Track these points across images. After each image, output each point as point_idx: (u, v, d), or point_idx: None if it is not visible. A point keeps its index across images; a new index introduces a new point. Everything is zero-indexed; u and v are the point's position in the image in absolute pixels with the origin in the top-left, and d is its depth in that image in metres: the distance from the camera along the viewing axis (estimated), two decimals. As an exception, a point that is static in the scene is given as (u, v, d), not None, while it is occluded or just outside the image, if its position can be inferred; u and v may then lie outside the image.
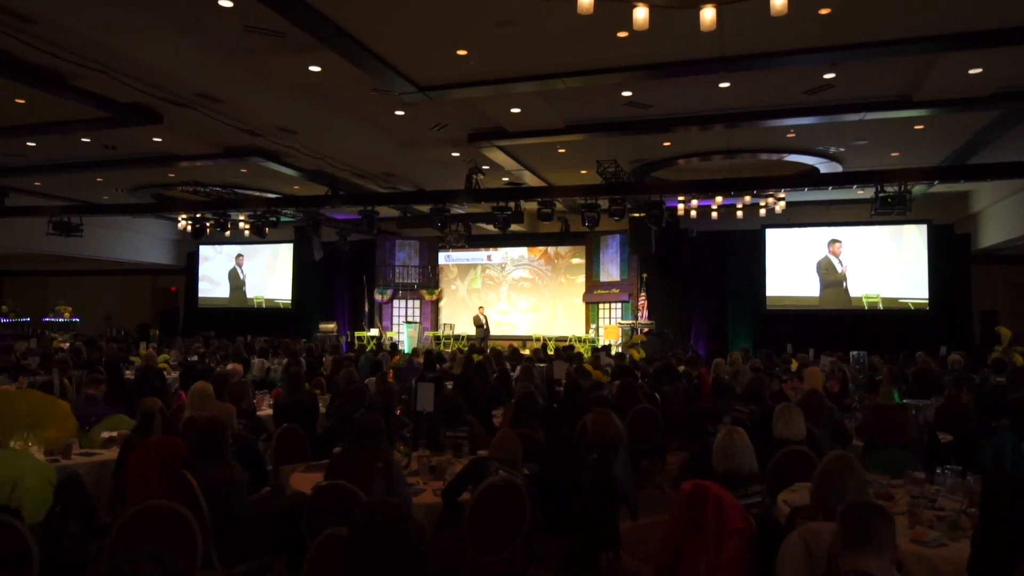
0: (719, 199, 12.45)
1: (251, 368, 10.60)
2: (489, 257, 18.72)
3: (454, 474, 3.44)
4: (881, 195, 9.97)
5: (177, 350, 12.34)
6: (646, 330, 15.54)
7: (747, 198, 12.44)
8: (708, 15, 5.00)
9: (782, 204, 12.43)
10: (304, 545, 2.86)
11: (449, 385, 7.35)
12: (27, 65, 7.74)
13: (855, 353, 8.72)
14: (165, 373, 8.93)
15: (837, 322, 15.25)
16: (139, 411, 3.80)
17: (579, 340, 16.58)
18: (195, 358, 10.80)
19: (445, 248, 16.77)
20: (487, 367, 7.31)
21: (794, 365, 9.19)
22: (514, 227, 17.44)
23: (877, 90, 8.73)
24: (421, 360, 10.09)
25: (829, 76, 8.20)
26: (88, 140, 11.22)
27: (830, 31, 6.84)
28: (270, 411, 6.09)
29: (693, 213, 13.38)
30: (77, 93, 8.47)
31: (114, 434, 4.36)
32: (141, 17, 6.65)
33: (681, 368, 9.05)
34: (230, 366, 7.62)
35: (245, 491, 3.19)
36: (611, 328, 16.27)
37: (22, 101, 9.08)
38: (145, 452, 3.46)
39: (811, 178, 11.53)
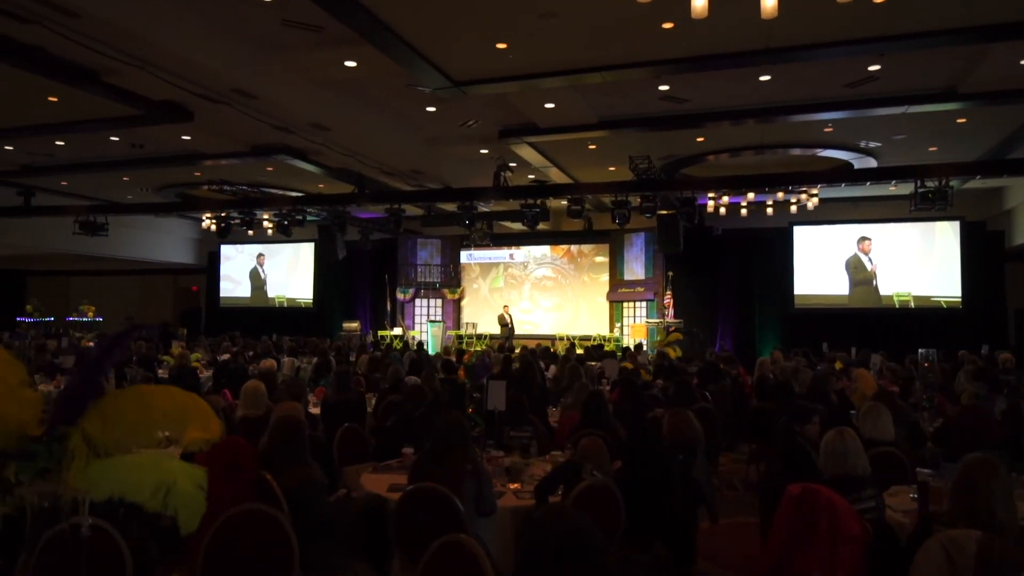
0: (751, 195, 12.24)
1: (281, 367, 10.55)
2: (511, 256, 18.60)
3: (530, 476, 3.31)
4: (921, 190, 9.78)
5: (204, 349, 12.30)
6: (673, 329, 15.37)
7: (780, 194, 12.23)
8: (770, 2, 4.84)
9: (815, 200, 12.22)
10: (388, 549, 2.76)
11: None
12: (62, 62, 7.69)
13: (923, 351, 8.51)
14: (198, 372, 8.87)
15: (867, 320, 15.02)
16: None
17: (604, 339, 16.44)
18: (226, 357, 10.74)
19: (469, 247, 16.65)
20: (535, 366, 7.18)
21: (837, 365, 9.00)
22: (525, 226, 17.41)
23: (922, 82, 8.53)
24: (451, 357, 10.01)
25: (874, 68, 8.01)
26: (116, 139, 11.20)
27: (883, 20, 6.67)
28: (313, 410, 6.01)
29: (723, 210, 13.18)
30: (110, 90, 8.41)
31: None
32: (181, 12, 6.58)
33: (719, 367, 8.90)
34: (264, 364, 7.53)
35: (326, 493, 3.08)
36: (638, 327, 16.10)
37: (55, 99, 9.04)
38: (211, 452, 3.35)
39: (848, 173, 11.34)
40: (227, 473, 3.44)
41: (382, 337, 17.35)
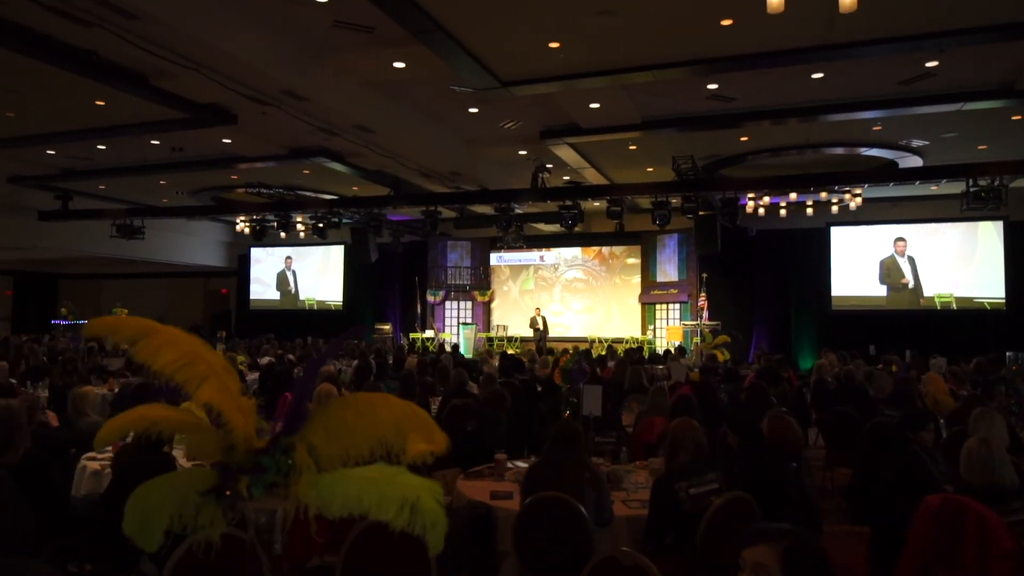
0: (793, 195, 12.06)
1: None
2: (542, 258, 18.51)
3: (634, 484, 3.20)
4: (973, 189, 9.58)
5: (244, 352, 12.32)
6: (705, 331, 15.20)
7: (824, 194, 12.04)
8: (851, -5, 4.72)
9: (858, 200, 12.02)
10: (495, 559, 2.67)
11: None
12: (113, 66, 7.72)
13: (1010, 354, 8.29)
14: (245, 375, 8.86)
15: (908, 322, 14.73)
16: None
17: (636, 341, 16.30)
18: (267, 360, 10.74)
19: (502, 248, 16.58)
20: (595, 371, 7.07)
21: (892, 368, 8.80)
22: (562, 227, 17.31)
23: (979, 79, 8.34)
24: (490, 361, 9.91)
25: (932, 64, 7.84)
26: (157, 142, 11.25)
27: (944, 14, 6.52)
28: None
29: (761, 211, 13.01)
30: (157, 94, 8.44)
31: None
32: (235, 14, 6.58)
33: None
34: (324, 367, 7.48)
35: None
36: (674, 329, 15.94)
37: (102, 103, 9.10)
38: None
39: (895, 172, 11.12)
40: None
41: (413, 340, 17.33)
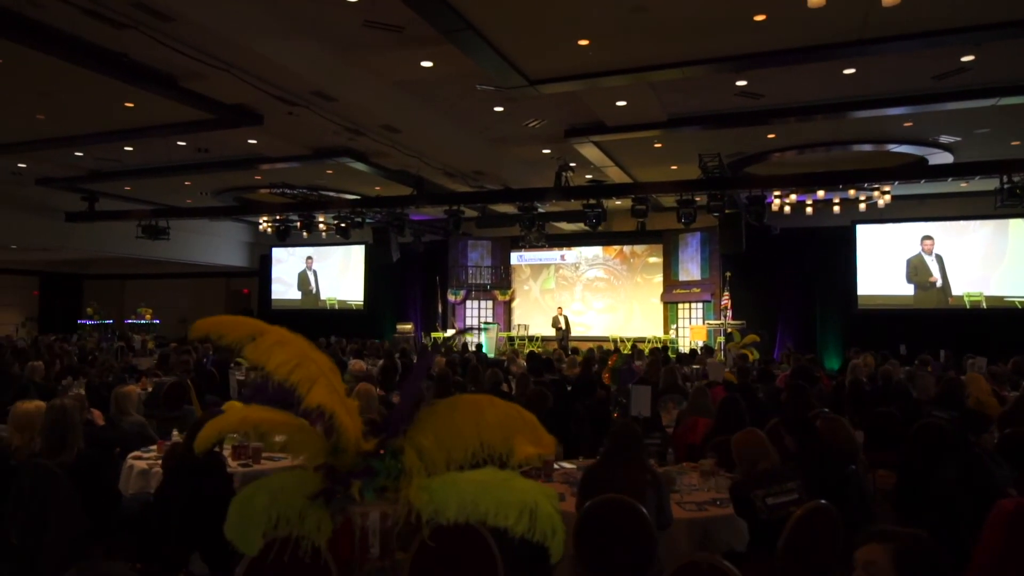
0: (821, 193, 11.92)
1: (347, 369, 10.54)
2: (563, 257, 18.46)
3: (688, 486, 3.15)
4: (1007, 186, 9.42)
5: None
6: (730, 330, 15.08)
7: (852, 191, 11.88)
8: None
9: (887, 198, 11.85)
10: (548, 563, 2.62)
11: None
12: (144, 67, 7.78)
13: None
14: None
15: (936, 321, 14.51)
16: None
17: (658, 340, 16.21)
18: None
19: (523, 248, 16.54)
20: (629, 368, 7.01)
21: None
22: (587, 226, 17.25)
23: (1016, 73, 8.18)
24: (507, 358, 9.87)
25: (968, 59, 7.70)
26: (183, 143, 11.33)
27: (982, 7, 6.39)
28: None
29: (787, 209, 12.88)
30: (186, 95, 8.49)
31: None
32: (268, 15, 6.60)
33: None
34: (355, 366, 7.50)
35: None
36: (698, 328, 15.81)
37: (131, 104, 9.17)
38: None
39: (926, 169, 10.95)
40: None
41: (435, 339, 17.34)
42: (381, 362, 10.99)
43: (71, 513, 2.88)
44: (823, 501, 2.77)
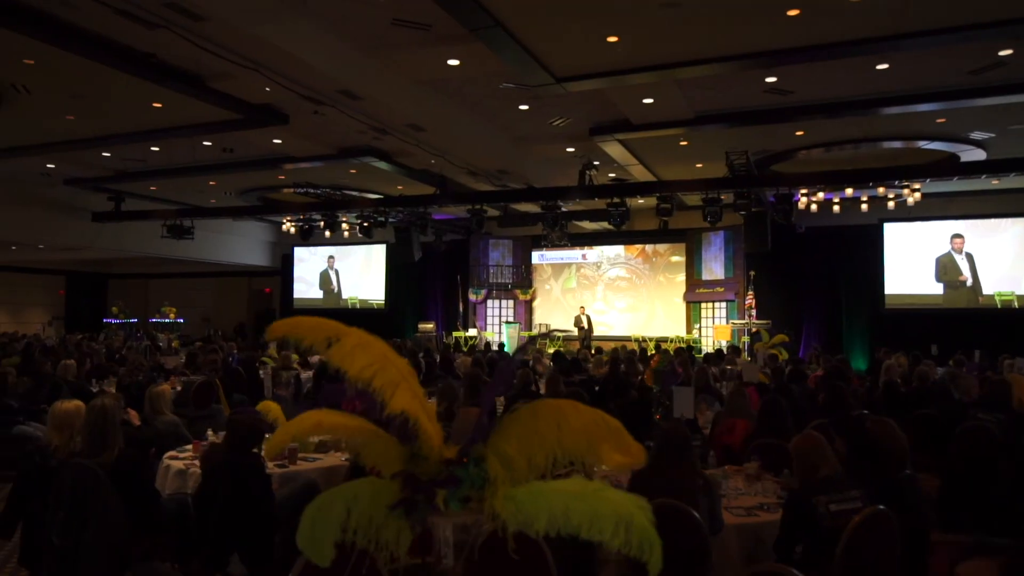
0: (850, 191, 11.73)
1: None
2: (584, 256, 18.36)
3: (734, 490, 3.08)
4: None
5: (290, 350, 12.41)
6: (755, 330, 14.92)
7: (881, 189, 11.68)
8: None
9: (917, 195, 11.63)
10: (594, 564, 2.58)
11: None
12: (171, 68, 7.83)
13: None
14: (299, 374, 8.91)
15: (966, 321, 14.25)
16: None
17: (681, 340, 16.07)
18: (317, 358, 10.77)
19: (546, 247, 16.46)
20: (672, 370, 6.89)
21: (961, 368, 8.47)
22: (611, 225, 17.12)
23: (1055, 67, 7.98)
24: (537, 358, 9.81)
25: (1005, 53, 7.52)
26: (209, 143, 11.40)
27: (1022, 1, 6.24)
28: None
29: (814, 207, 12.69)
30: (213, 95, 8.54)
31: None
32: (297, 15, 6.58)
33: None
34: None
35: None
36: (722, 328, 15.65)
37: (159, 105, 9.23)
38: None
39: (960, 166, 10.73)
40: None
41: (456, 338, 17.32)
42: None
43: (112, 513, 2.87)
44: (881, 507, 2.69)
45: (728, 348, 12.59)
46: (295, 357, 9.63)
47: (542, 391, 7.33)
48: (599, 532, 1.39)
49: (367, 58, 7.64)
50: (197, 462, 3.86)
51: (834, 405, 4.65)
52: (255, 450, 3.24)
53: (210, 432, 4.34)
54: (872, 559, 2.59)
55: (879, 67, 7.95)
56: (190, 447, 4.30)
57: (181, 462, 3.93)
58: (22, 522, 3.31)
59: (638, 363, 8.44)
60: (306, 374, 9.29)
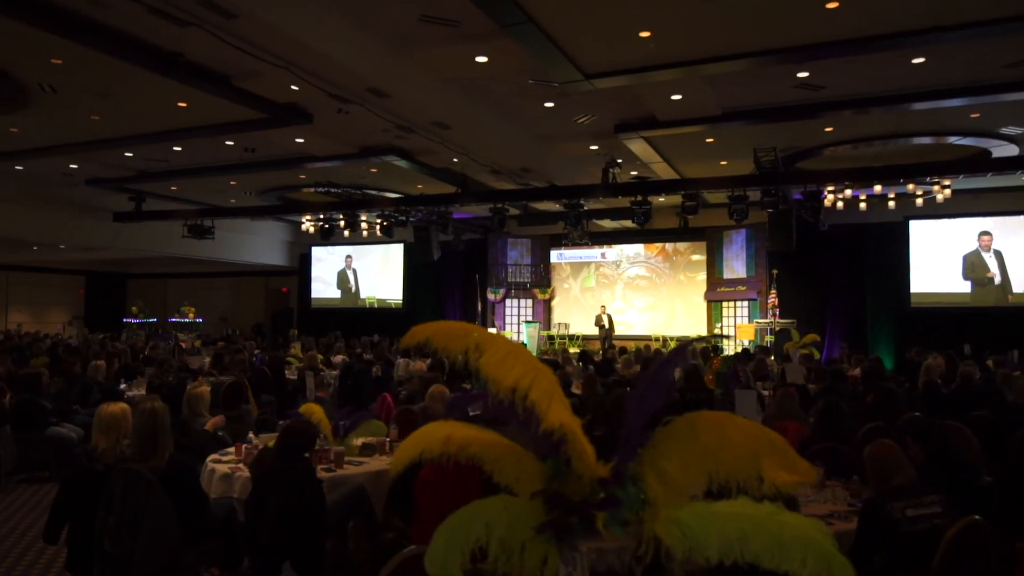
0: (878, 187, 11.55)
1: (396, 369, 10.50)
2: (603, 255, 18.25)
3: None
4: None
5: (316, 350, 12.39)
6: (777, 329, 14.75)
7: (911, 186, 11.50)
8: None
9: (947, 192, 11.43)
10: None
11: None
12: (197, 67, 7.80)
13: None
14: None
15: (994, 321, 14.01)
16: (424, 418, 3.54)
17: (702, 338, 15.91)
18: (339, 358, 10.75)
19: (566, 246, 16.36)
20: (700, 370, 6.80)
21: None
22: (630, 223, 16.99)
23: (1097, 60, 7.79)
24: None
25: (1047, 45, 7.35)
26: (231, 143, 11.38)
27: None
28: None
29: (840, 204, 12.52)
30: (238, 94, 8.50)
31: (372, 440, 4.14)
32: (328, 12, 6.55)
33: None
34: (416, 366, 7.42)
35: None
36: (745, 327, 15.48)
37: (184, 104, 9.21)
38: (437, 464, 3.15)
39: (993, 162, 10.54)
40: (455, 486, 3.25)
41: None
42: (428, 361, 10.93)
43: (165, 519, 2.80)
44: (977, 517, 2.57)
45: (757, 348, 12.43)
46: (319, 356, 9.59)
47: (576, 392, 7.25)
48: (787, 561, 1.26)
49: (395, 56, 7.58)
50: (242, 465, 3.79)
51: (886, 408, 4.52)
52: (307, 455, 3.17)
53: (252, 435, 4.28)
54: (970, 571, 2.48)
55: (915, 61, 7.80)
56: (231, 449, 4.24)
57: (226, 465, 3.86)
58: (68, 527, 3.26)
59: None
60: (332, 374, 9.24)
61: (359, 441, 4.07)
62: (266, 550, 2.94)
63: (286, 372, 8.96)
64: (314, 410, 4.10)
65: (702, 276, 17.14)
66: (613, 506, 1.32)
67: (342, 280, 20.92)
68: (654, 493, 1.35)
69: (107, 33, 6.76)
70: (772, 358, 10.10)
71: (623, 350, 11.48)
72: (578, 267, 18.61)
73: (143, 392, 7.20)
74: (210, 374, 8.15)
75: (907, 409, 4.78)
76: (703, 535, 1.31)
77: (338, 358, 10.76)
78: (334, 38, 6.71)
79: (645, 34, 6.98)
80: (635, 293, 17.94)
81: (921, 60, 7.78)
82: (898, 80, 8.41)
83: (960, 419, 4.97)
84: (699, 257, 17.24)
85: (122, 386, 7.23)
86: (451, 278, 19.22)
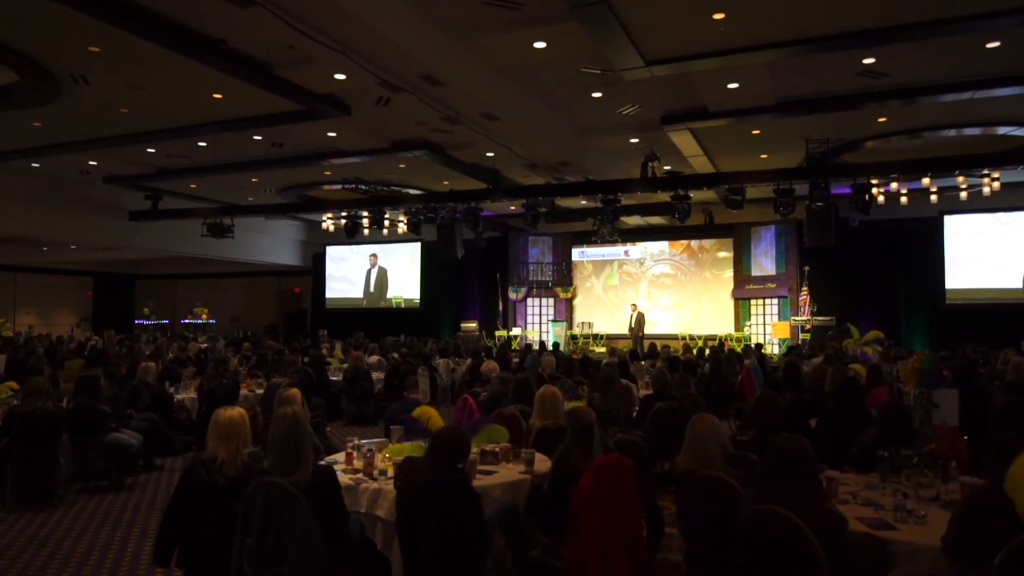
0: (926, 180, 11.27)
1: (436, 369, 10.17)
2: (626, 252, 17.94)
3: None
4: None
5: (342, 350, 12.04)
6: (807, 327, 14.47)
7: (961, 179, 11.22)
8: None
9: (996, 185, 11.16)
10: None
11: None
12: (239, 55, 7.44)
13: None
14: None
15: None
16: (572, 426, 3.18)
17: (729, 337, 15.63)
18: (374, 358, 10.39)
19: (595, 242, 16.02)
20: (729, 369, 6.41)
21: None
22: (653, 220, 16.69)
23: None
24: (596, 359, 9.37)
25: None
26: (260, 137, 11.03)
27: None
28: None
29: (881, 198, 12.22)
30: (278, 84, 8.15)
31: (495, 447, 3.78)
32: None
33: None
34: (487, 367, 7.07)
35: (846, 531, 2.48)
36: (780, 325, 15.17)
37: (220, 96, 8.85)
38: (596, 473, 2.82)
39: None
40: (616, 495, 2.92)
41: (499, 337, 16.92)
42: (468, 361, 10.60)
43: (313, 540, 2.46)
44: None
45: (813, 345, 12.14)
46: (362, 356, 9.22)
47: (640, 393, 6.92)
48: None
49: (453, 41, 7.25)
50: (361, 475, 3.44)
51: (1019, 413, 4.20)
52: (460, 466, 2.82)
53: (356, 439, 3.90)
54: None
55: (989, 45, 7.50)
56: (337, 457, 3.88)
57: (347, 476, 3.47)
58: (179, 548, 2.89)
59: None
60: (377, 375, 8.89)
61: (475, 449, 3.70)
62: (429, 573, 2.59)
63: (328, 373, 8.61)
64: (430, 414, 3.75)
65: (729, 273, 16.85)
66: None
67: (368, 279, 20.34)
68: None
69: (151, 17, 6.41)
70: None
71: (666, 347, 11.16)
72: (600, 265, 18.29)
73: (192, 395, 6.84)
74: (255, 375, 7.79)
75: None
76: None
77: (373, 358, 10.40)
78: (396, 20, 6.37)
79: (719, 15, 6.66)
80: (660, 291, 17.63)
81: (996, 44, 7.48)
82: (967, 66, 8.11)
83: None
84: (726, 254, 16.95)
85: (170, 389, 6.87)
86: (470, 277, 18.90)
